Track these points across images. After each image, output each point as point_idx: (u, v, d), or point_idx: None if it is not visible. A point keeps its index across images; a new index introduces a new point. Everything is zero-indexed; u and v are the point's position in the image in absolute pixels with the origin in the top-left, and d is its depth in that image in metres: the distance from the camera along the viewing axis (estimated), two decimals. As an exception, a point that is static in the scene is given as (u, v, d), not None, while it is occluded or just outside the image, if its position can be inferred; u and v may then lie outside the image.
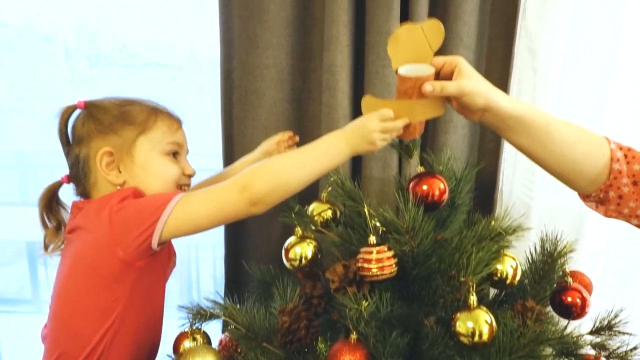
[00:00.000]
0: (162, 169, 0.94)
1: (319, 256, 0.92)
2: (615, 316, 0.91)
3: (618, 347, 0.91)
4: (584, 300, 0.91)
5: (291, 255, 0.92)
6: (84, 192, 0.95)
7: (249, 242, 1.31)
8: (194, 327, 0.89)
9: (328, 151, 0.87)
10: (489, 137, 1.25)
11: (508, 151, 1.21)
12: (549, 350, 0.85)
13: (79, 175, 0.93)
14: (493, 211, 1.21)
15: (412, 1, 1.14)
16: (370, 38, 1.17)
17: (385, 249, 0.81)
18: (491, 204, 1.24)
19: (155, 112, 0.95)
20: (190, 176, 0.99)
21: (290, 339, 0.86)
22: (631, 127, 1.17)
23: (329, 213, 0.98)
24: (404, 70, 0.84)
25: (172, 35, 1.37)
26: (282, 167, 0.86)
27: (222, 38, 1.22)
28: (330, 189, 0.98)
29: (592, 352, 0.92)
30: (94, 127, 0.92)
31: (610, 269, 1.24)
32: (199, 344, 0.88)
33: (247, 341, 0.87)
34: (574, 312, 0.91)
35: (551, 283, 0.93)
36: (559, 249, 0.92)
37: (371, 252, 0.81)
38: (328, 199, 1.00)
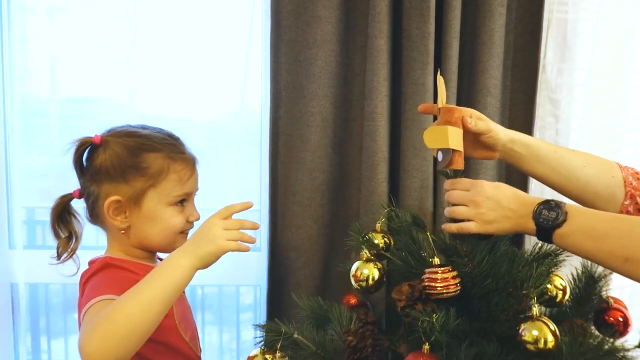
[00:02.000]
0: (167, 220, 0.96)
1: (384, 279, 0.99)
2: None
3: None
4: (626, 319, 0.98)
5: (360, 276, 0.99)
6: (91, 218, 0.99)
7: (291, 279, 1.36)
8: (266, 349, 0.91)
9: (164, 270, 0.81)
10: (515, 174, 1.36)
11: (533, 187, 1.32)
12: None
13: (88, 203, 0.98)
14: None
15: (444, 57, 1.28)
16: (407, 89, 1.30)
17: (449, 269, 0.89)
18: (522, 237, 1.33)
19: (169, 161, 0.96)
20: (194, 221, 1.01)
21: (358, 356, 0.91)
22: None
23: (383, 242, 1.06)
24: None
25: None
26: (116, 318, 0.76)
27: (272, 89, 1.34)
28: (383, 219, 1.06)
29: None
30: (105, 171, 0.94)
31: (637, 302, 1.31)
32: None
33: (315, 361, 0.91)
34: (617, 330, 0.98)
35: (593, 304, 1.01)
36: (598, 272, 1.01)
37: (437, 272, 0.88)
38: (382, 229, 1.08)
